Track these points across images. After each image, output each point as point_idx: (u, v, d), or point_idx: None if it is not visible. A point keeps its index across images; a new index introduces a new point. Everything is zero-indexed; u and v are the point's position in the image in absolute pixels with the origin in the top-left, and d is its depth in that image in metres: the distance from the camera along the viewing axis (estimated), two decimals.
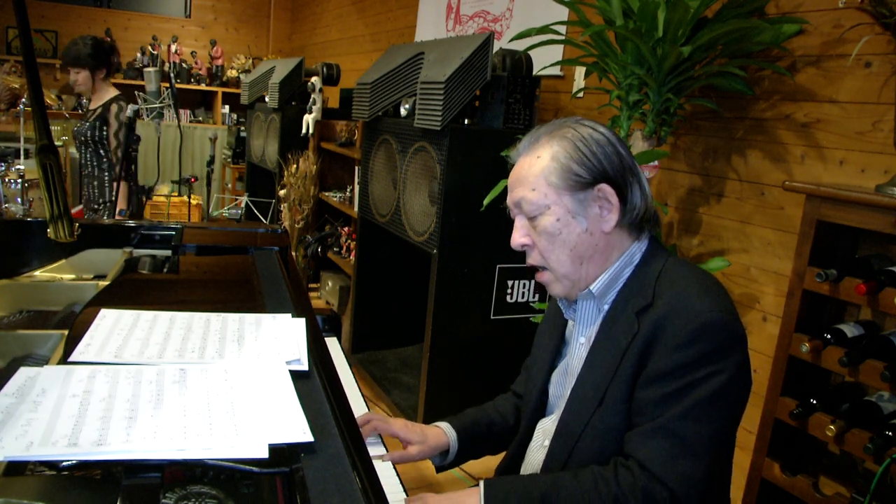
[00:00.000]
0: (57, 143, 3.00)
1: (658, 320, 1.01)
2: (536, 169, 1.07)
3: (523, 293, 2.69)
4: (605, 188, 1.05)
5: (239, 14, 7.40)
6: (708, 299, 1.00)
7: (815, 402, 1.70)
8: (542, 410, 1.23)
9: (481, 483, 1.03)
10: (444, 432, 1.26)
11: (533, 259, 1.12)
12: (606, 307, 1.10)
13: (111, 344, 1.00)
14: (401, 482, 1.15)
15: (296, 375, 0.96)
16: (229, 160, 6.29)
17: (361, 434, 1.16)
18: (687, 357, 0.97)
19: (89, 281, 1.53)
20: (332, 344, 1.49)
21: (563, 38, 2.23)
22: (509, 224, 1.14)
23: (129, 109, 3.22)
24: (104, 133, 3.30)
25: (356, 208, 3.38)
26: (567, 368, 1.17)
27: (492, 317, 2.66)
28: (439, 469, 1.30)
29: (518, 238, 1.11)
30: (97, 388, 0.86)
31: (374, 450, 1.20)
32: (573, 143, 1.06)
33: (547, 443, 1.15)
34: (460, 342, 2.64)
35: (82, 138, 3.31)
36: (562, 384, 1.18)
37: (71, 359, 0.95)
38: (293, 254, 3.82)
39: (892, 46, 1.77)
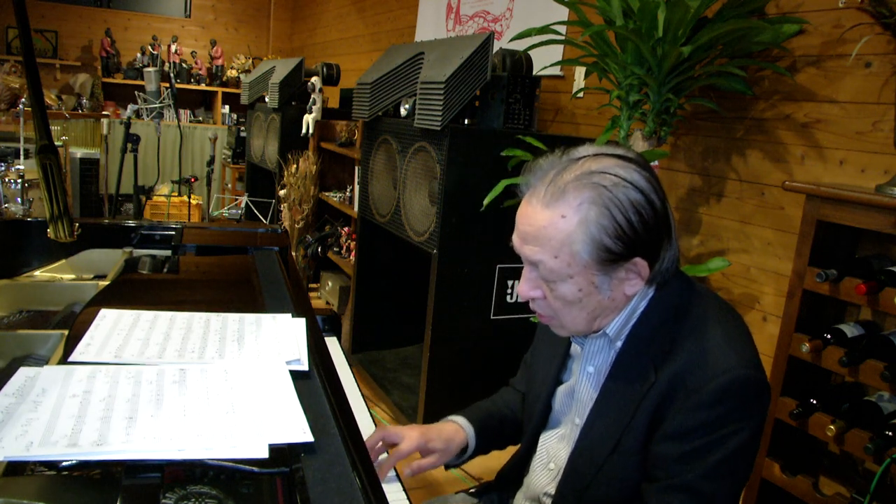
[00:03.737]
0: (57, 143, 3.00)
1: (677, 373, 0.94)
2: (561, 233, 0.91)
3: None
4: (640, 262, 0.93)
5: (239, 14, 7.40)
6: (732, 352, 0.93)
7: (815, 402, 1.70)
8: (545, 422, 1.19)
9: None
10: (461, 427, 1.21)
11: (541, 310, 1.02)
12: (619, 344, 1.02)
13: (111, 344, 1.00)
14: (400, 482, 1.15)
15: (296, 375, 0.96)
16: (229, 160, 6.29)
17: (361, 434, 1.15)
18: (710, 417, 0.91)
19: (89, 281, 1.53)
20: (332, 344, 1.49)
21: (563, 38, 2.23)
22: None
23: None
24: None
25: (356, 208, 3.38)
26: (574, 392, 1.12)
27: (492, 317, 2.66)
28: (448, 466, 1.25)
29: (527, 291, 0.99)
30: (97, 389, 0.86)
31: (391, 487, 1.11)
32: (608, 209, 0.89)
33: (552, 466, 1.13)
34: (460, 342, 2.64)
35: None
36: (567, 404, 1.13)
37: (71, 359, 0.95)
38: (293, 254, 3.82)
39: (892, 46, 1.77)
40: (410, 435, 1.15)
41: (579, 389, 1.10)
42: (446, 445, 1.17)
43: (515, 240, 0.98)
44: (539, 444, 1.18)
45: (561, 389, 1.15)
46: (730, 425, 0.92)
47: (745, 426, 0.92)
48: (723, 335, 0.95)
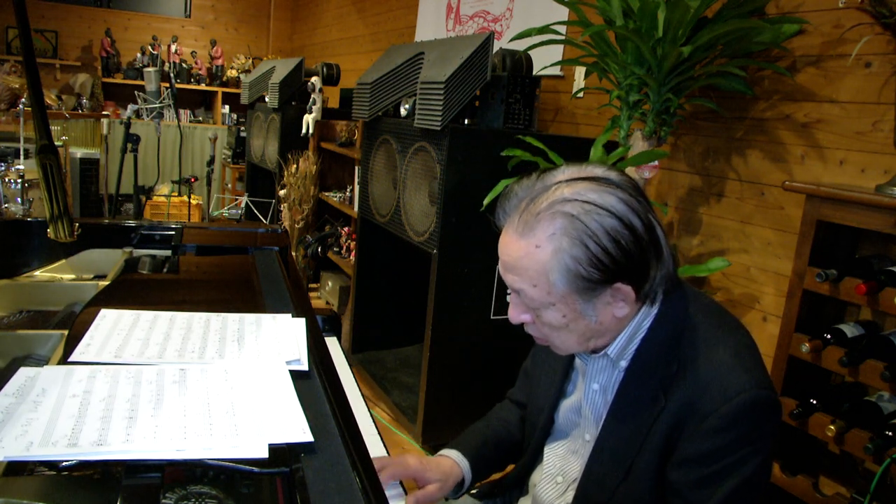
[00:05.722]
0: (57, 143, 3.00)
1: (688, 396, 0.92)
2: (537, 263, 0.89)
3: None
4: (622, 287, 0.91)
5: (239, 14, 7.40)
6: (743, 372, 0.91)
7: (815, 402, 1.70)
8: (548, 434, 1.17)
9: None
10: (456, 463, 1.20)
11: (533, 332, 1.01)
12: (623, 363, 1.00)
13: (111, 344, 1.00)
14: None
15: (296, 375, 0.96)
16: (229, 160, 6.29)
17: (362, 434, 1.15)
18: (725, 441, 0.90)
19: (89, 281, 1.53)
20: (332, 344, 1.49)
21: (563, 38, 2.23)
22: None
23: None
24: None
25: (356, 208, 3.38)
26: (579, 408, 1.10)
27: (492, 317, 2.66)
28: (454, 498, 1.24)
29: (516, 316, 0.99)
30: (97, 388, 0.86)
31: (396, 500, 1.11)
32: (580, 240, 0.87)
33: (560, 479, 1.11)
34: (460, 342, 2.64)
35: None
36: (573, 420, 1.12)
37: (71, 359, 0.95)
38: (293, 254, 3.83)
39: (892, 46, 1.77)
40: (409, 458, 1.15)
41: (585, 406, 1.08)
42: (443, 478, 1.16)
43: (500, 267, 0.97)
44: (545, 455, 1.17)
45: (565, 403, 1.13)
46: (746, 448, 0.90)
47: (762, 447, 0.91)
48: (732, 354, 0.93)
